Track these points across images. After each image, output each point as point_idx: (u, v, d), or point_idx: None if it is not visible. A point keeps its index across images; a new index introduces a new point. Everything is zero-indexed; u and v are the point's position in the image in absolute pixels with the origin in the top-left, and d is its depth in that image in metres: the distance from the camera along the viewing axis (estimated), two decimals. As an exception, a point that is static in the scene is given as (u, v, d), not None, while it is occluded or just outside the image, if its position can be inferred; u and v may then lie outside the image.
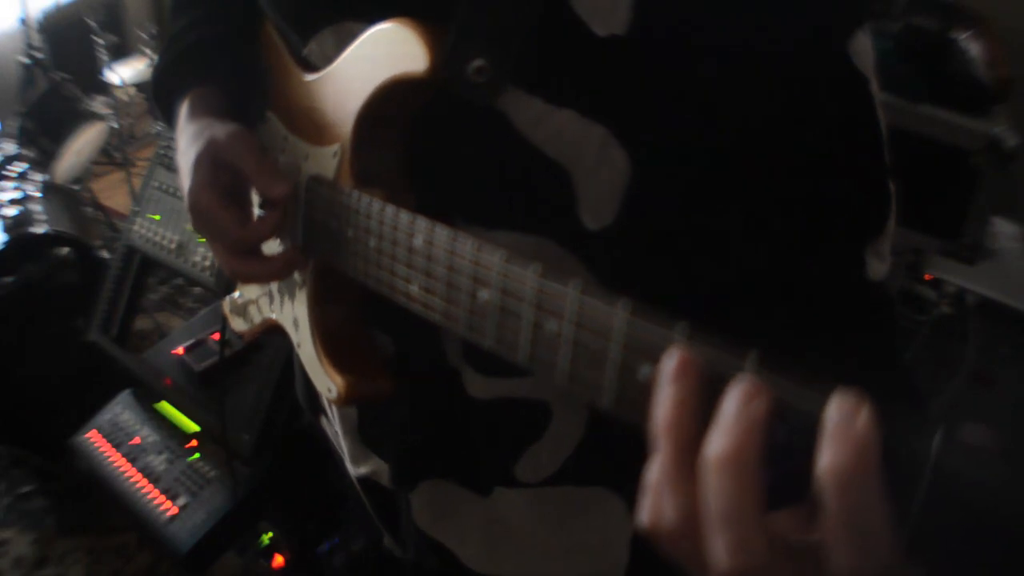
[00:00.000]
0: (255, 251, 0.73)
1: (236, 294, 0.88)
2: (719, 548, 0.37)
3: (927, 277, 1.89)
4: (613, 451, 0.73)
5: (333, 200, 0.67)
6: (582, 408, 0.73)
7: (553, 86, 0.59)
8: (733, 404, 0.37)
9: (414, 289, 0.59)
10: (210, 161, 0.71)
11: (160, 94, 0.82)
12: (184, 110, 0.77)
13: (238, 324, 0.89)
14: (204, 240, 1.67)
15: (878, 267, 0.63)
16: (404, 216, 0.60)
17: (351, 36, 0.65)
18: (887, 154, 0.62)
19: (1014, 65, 1.95)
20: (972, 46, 1.97)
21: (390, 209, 0.61)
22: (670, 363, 0.39)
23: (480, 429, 0.76)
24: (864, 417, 0.34)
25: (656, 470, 0.40)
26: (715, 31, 0.55)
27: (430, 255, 0.57)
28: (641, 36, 0.56)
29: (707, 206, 0.61)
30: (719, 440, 0.37)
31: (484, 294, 0.52)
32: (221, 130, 0.72)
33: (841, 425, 0.34)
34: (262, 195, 0.71)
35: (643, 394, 0.42)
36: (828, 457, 0.34)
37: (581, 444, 0.74)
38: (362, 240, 0.64)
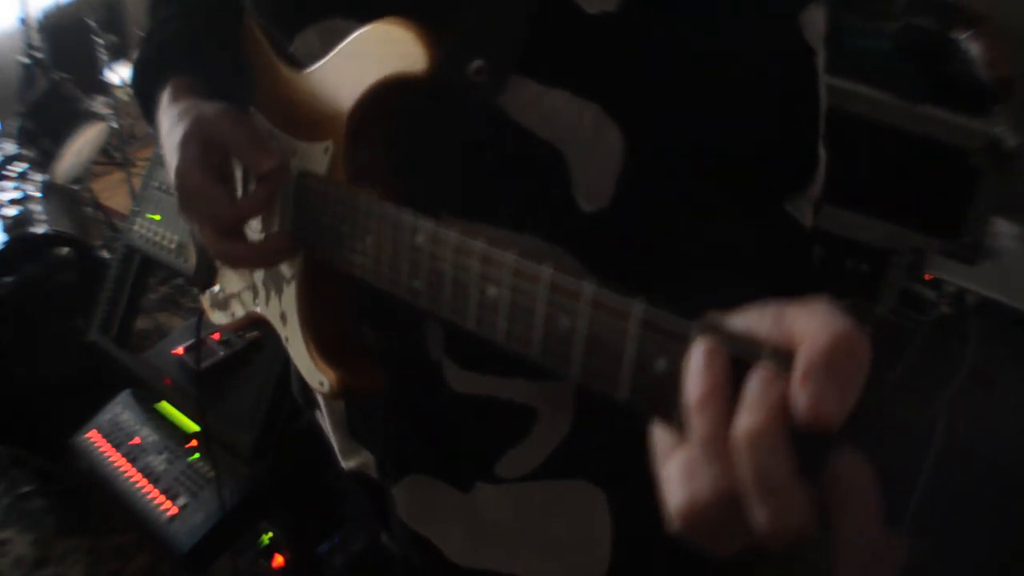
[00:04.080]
0: (242, 234, 0.72)
1: (216, 288, 0.88)
2: (761, 516, 0.39)
3: (927, 277, 1.89)
4: (597, 445, 0.74)
5: (326, 196, 0.67)
6: (569, 407, 0.73)
7: (545, 66, 0.60)
8: (757, 386, 0.39)
9: (418, 285, 0.59)
10: (199, 139, 0.69)
11: (141, 85, 0.81)
12: (166, 95, 0.76)
13: (218, 318, 0.88)
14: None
15: (799, 219, 0.66)
16: (406, 215, 0.59)
17: (338, 34, 0.65)
18: (822, 123, 0.65)
19: (1014, 65, 1.95)
20: (972, 46, 1.97)
21: (390, 207, 0.61)
22: (700, 349, 0.41)
23: (461, 423, 0.76)
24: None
25: (689, 449, 0.41)
26: (694, 3, 0.57)
27: (434, 253, 0.57)
28: (632, 11, 0.57)
29: (694, 181, 0.62)
30: (748, 417, 0.39)
31: (493, 291, 0.52)
32: (209, 108, 0.70)
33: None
34: (253, 169, 0.70)
35: (659, 387, 0.43)
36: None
37: (565, 440, 0.74)
38: (360, 237, 0.64)
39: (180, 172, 0.69)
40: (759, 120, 0.62)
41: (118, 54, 3.22)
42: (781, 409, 0.38)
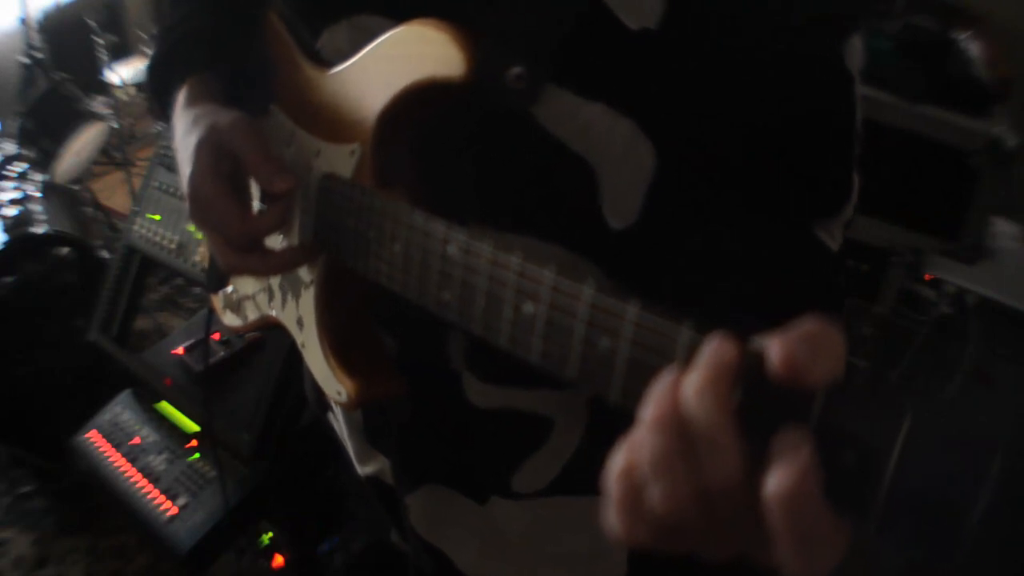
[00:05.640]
0: (255, 245, 0.70)
1: (229, 288, 0.86)
2: (702, 464, 0.38)
3: (927, 277, 1.89)
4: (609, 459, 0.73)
5: (351, 199, 0.65)
6: (582, 418, 0.72)
7: (583, 79, 0.59)
8: (704, 352, 0.39)
9: (447, 297, 0.57)
10: (212, 148, 0.67)
11: (155, 83, 0.79)
12: (182, 96, 0.74)
13: (230, 320, 0.86)
14: (198, 233, 1.68)
15: (828, 244, 0.66)
16: (437, 223, 0.57)
17: (367, 31, 0.64)
18: (857, 148, 0.64)
19: (1014, 65, 1.96)
20: (972, 46, 1.97)
21: (420, 214, 0.58)
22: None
23: (479, 436, 0.75)
24: (807, 444, 0.36)
25: (643, 466, 0.40)
26: (737, 25, 0.57)
27: (467, 264, 0.55)
28: (672, 30, 0.57)
29: (724, 202, 0.61)
30: (690, 379, 0.39)
31: (530, 307, 0.50)
32: (224, 117, 0.68)
33: (787, 451, 0.36)
34: (265, 189, 0.68)
35: None
36: (775, 481, 0.36)
37: (578, 454, 0.73)
38: (386, 243, 0.61)
39: (193, 182, 0.67)
40: (795, 144, 0.61)
41: (118, 54, 3.22)
42: (729, 372, 0.39)
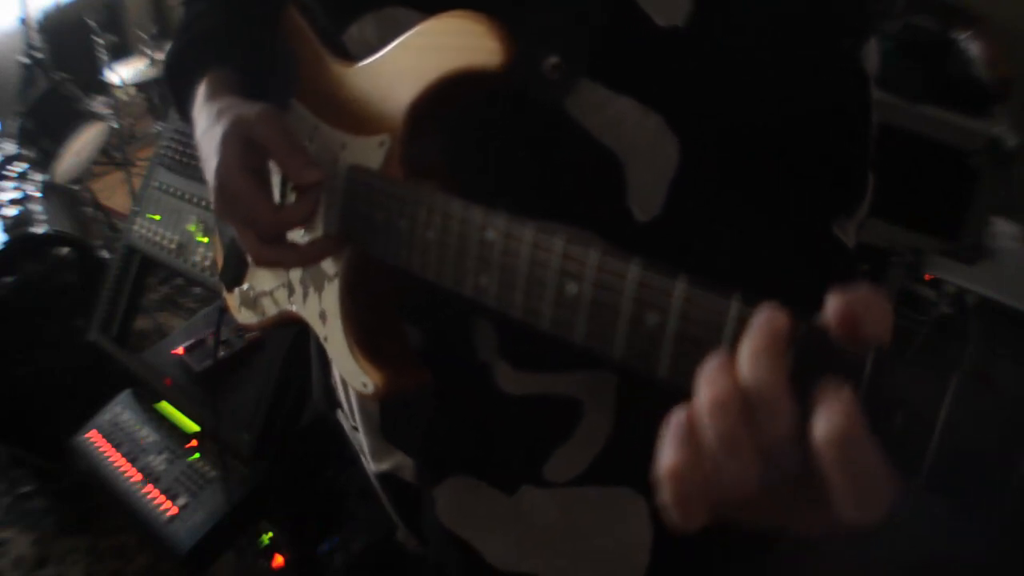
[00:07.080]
0: (281, 237, 0.69)
1: (245, 285, 0.85)
2: (758, 426, 0.39)
3: (927, 277, 1.89)
4: (640, 451, 0.74)
5: (381, 191, 0.65)
6: (611, 404, 0.73)
7: (615, 72, 0.60)
8: (756, 321, 0.40)
9: (485, 282, 0.56)
10: (239, 139, 0.66)
11: (174, 77, 0.79)
12: (202, 91, 0.73)
13: (246, 317, 0.85)
14: (199, 234, 1.68)
15: (846, 242, 0.67)
16: (476, 210, 0.57)
17: (396, 23, 0.64)
18: (872, 149, 0.65)
19: (1014, 65, 1.96)
20: (972, 46, 1.97)
21: (456, 202, 0.58)
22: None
23: (509, 425, 0.75)
24: (845, 385, 0.37)
25: (710, 447, 0.41)
26: (760, 27, 0.58)
27: (507, 249, 0.54)
28: (699, 28, 0.58)
29: (746, 198, 0.62)
30: (744, 345, 0.40)
31: (573, 288, 0.50)
32: (249, 109, 0.67)
33: (828, 395, 0.37)
34: (295, 180, 0.67)
35: None
36: (821, 424, 0.37)
37: (609, 443, 0.74)
38: (419, 232, 0.61)
39: (220, 175, 0.66)
40: (815, 142, 0.62)
41: (118, 54, 3.22)
42: (781, 338, 0.39)
